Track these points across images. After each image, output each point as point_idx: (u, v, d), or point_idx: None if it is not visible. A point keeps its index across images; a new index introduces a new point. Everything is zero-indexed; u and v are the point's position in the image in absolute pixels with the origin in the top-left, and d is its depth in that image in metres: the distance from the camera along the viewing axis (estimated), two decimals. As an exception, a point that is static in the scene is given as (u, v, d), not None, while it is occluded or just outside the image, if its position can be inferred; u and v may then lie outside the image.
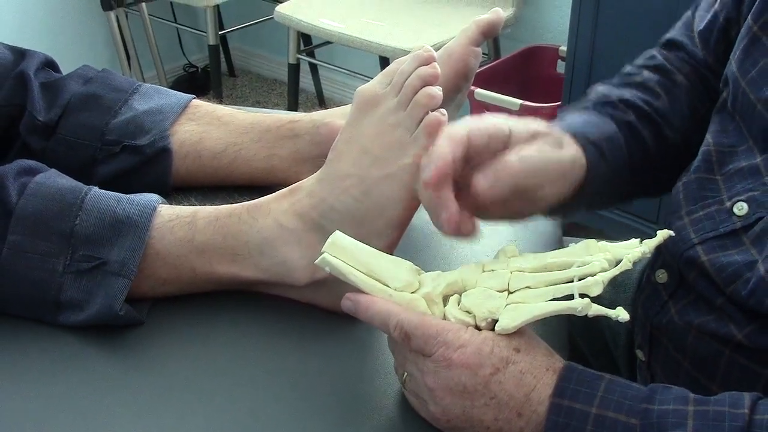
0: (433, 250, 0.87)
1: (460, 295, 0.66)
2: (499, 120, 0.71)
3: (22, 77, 0.90)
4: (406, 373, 0.66)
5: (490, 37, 0.87)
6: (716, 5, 0.86)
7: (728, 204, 0.74)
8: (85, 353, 0.72)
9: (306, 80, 3.11)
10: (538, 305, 0.63)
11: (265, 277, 0.76)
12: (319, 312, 0.76)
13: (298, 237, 0.74)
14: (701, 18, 0.89)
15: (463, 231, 0.68)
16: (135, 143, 0.88)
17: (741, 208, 0.72)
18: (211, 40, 2.84)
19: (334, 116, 0.90)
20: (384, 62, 2.65)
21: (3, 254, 0.72)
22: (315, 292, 0.76)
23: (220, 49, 3.10)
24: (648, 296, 0.82)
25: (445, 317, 0.66)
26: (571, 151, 0.74)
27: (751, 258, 0.69)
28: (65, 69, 0.96)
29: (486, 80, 2.26)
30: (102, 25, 2.97)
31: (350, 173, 0.73)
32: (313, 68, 3.11)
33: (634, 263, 0.64)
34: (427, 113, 0.72)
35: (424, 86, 0.73)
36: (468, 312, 0.65)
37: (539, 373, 0.63)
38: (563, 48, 2.26)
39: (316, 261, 0.67)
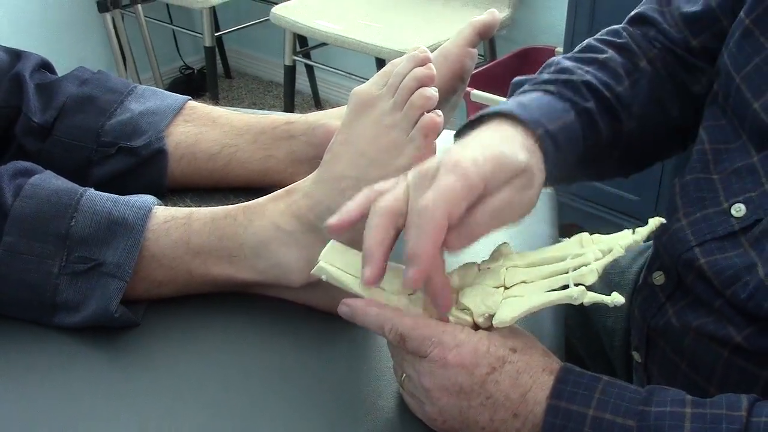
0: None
1: (457, 295, 0.66)
2: (472, 175, 0.62)
3: (17, 79, 0.90)
4: (404, 375, 0.66)
5: (486, 38, 0.87)
6: None
7: (726, 205, 0.73)
8: (80, 355, 0.72)
9: (302, 82, 3.11)
10: (535, 296, 0.63)
11: (261, 278, 0.76)
12: (316, 313, 0.76)
13: (295, 238, 0.74)
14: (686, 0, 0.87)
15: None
16: (130, 145, 0.88)
17: (739, 210, 0.72)
18: (207, 42, 2.84)
19: (330, 117, 0.90)
20: (380, 63, 2.65)
21: (-2, 256, 0.73)
22: (311, 293, 0.76)
23: (216, 50, 3.10)
24: (645, 298, 0.82)
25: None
26: (537, 179, 0.68)
27: (750, 260, 0.69)
28: (61, 71, 0.96)
29: (482, 81, 2.26)
30: (98, 26, 2.97)
31: (346, 175, 0.73)
32: (309, 70, 3.11)
33: (627, 249, 0.64)
34: (423, 114, 0.72)
35: (420, 87, 0.73)
36: (465, 310, 0.65)
37: (535, 374, 0.63)
38: (559, 49, 2.26)
39: (313, 270, 0.67)
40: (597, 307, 0.88)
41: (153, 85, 2.98)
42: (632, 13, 0.91)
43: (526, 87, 0.81)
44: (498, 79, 2.35)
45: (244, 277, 0.76)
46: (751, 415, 0.59)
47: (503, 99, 2.24)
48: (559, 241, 0.89)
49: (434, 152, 0.73)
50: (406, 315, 0.64)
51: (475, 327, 0.65)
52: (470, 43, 0.86)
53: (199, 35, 2.91)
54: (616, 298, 0.61)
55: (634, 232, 0.65)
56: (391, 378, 0.70)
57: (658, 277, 0.80)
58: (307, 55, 2.93)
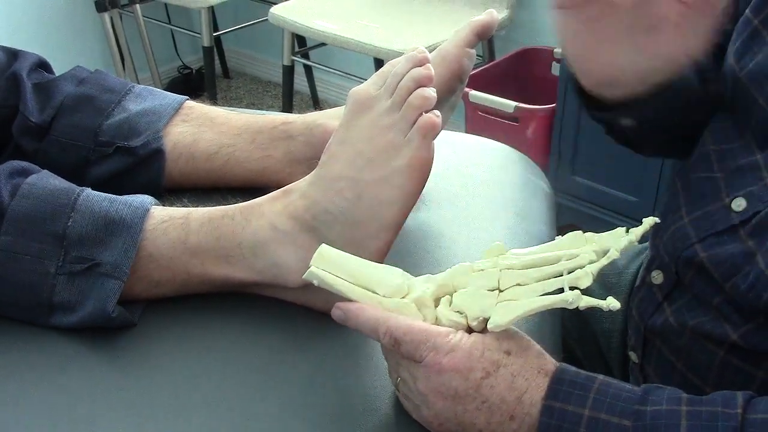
0: (425, 253, 0.87)
1: (451, 297, 0.66)
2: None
3: (14, 78, 0.90)
4: (399, 378, 0.66)
5: (485, 38, 0.87)
6: None
7: (727, 201, 0.73)
8: (77, 355, 0.72)
9: (300, 82, 3.11)
10: (530, 300, 0.63)
11: (259, 278, 0.75)
12: (313, 314, 0.76)
13: (292, 238, 0.74)
14: None
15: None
16: (128, 144, 0.88)
17: (739, 205, 0.72)
18: (206, 42, 2.83)
19: (328, 118, 0.90)
20: (378, 64, 2.64)
21: (-5, 256, 0.72)
22: (308, 294, 0.76)
23: (215, 50, 3.10)
24: (642, 298, 0.82)
25: (437, 319, 0.66)
26: None
27: (748, 250, 0.69)
28: (59, 70, 0.96)
29: (480, 82, 2.26)
30: (96, 26, 2.97)
31: (343, 175, 0.73)
32: (308, 70, 3.11)
33: (622, 251, 0.64)
34: (421, 115, 0.72)
35: (418, 87, 0.73)
36: (460, 312, 0.65)
37: (531, 376, 0.62)
38: (558, 50, 2.26)
39: (304, 275, 0.67)
40: (594, 309, 0.88)
41: (151, 85, 2.98)
42: None
43: None
44: (497, 79, 2.35)
45: (242, 277, 0.76)
46: (746, 411, 0.59)
47: (502, 100, 2.26)
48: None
49: (432, 153, 0.73)
50: (399, 318, 0.64)
51: (469, 330, 0.65)
52: (468, 44, 0.85)
53: (198, 35, 2.90)
54: (612, 303, 0.61)
55: (628, 232, 0.65)
56: (389, 379, 0.70)
57: (657, 277, 0.80)
58: (305, 56, 2.93)
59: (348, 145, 0.74)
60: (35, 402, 0.67)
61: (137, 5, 2.88)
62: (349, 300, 0.66)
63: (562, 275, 0.63)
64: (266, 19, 2.53)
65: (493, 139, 1.12)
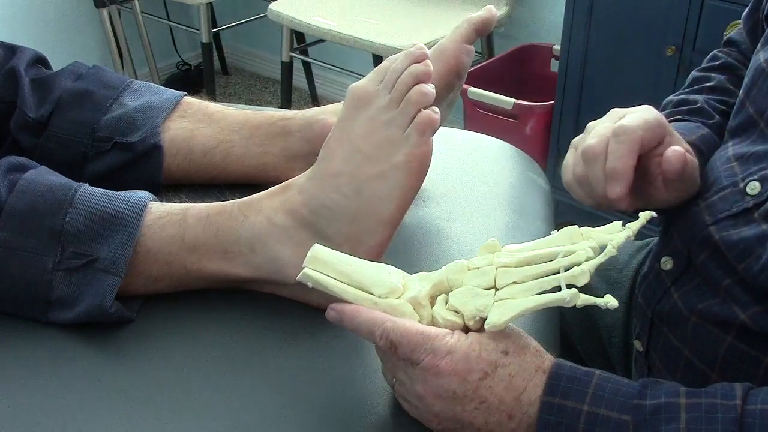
0: (423, 248, 0.86)
1: (447, 296, 0.66)
2: (659, 121, 0.74)
3: (12, 74, 0.89)
4: (395, 379, 0.66)
5: (483, 34, 0.87)
6: None
7: (741, 185, 0.75)
8: (75, 351, 0.72)
9: (299, 78, 3.10)
10: (526, 299, 0.63)
11: (256, 274, 0.75)
12: (311, 310, 0.76)
13: (290, 234, 0.74)
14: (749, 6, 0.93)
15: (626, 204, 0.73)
16: (126, 140, 0.88)
17: (754, 188, 0.74)
18: (204, 38, 2.83)
19: (326, 113, 0.90)
20: (377, 60, 2.64)
21: (-8, 251, 0.72)
22: (306, 290, 0.75)
23: (213, 46, 3.10)
24: (649, 284, 0.83)
25: (433, 318, 0.66)
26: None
27: (762, 233, 0.70)
28: (58, 66, 0.95)
29: (479, 79, 2.26)
30: (95, 22, 2.97)
31: (342, 171, 0.73)
32: (307, 66, 3.11)
33: (619, 248, 0.64)
34: (420, 111, 0.72)
35: (417, 84, 0.73)
36: (456, 312, 0.65)
37: (529, 375, 0.63)
38: (557, 47, 2.26)
39: (298, 277, 0.67)
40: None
41: (150, 81, 2.97)
42: (725, 38, 1.00)
43: None
44: (495, 76, 2.35)
45: (239, 273, 0.75)
46: (745, 403, 0.59)
47: (501, 97, 2.26)
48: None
49: (430, 149, 0.73)
50: (396, 321, 0.64)
51: (466, 329, 0.65)
52: (467, 40, 0.85)
53: (196, 31, 2.90)
54: (610, 301, 0.61)
55: (624, 226, 0.65)
56: (378, 376, 0.70)
57: (666, 263, 0.81)
58: (304, 52, 2.93)
59: (346, 141, 0.74)
60: (32, 397, 0.67)
61: (136, 1, 2.87)
62: (344, 301, 0.66)
63: (558, 273, 0.63)
64: (265, 16, 2.53)
65: (491, 135, 1.12)
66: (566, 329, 1.03)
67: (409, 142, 0.72)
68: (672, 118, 0.90)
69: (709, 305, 0.74)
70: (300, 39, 2.85)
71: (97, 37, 3.05)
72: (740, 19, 0.96)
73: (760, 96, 0.78)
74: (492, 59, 2.43)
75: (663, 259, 0.81)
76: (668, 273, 0.80)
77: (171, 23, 3.24)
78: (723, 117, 0.88)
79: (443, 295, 0.66)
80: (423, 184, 0.74)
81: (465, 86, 2.16)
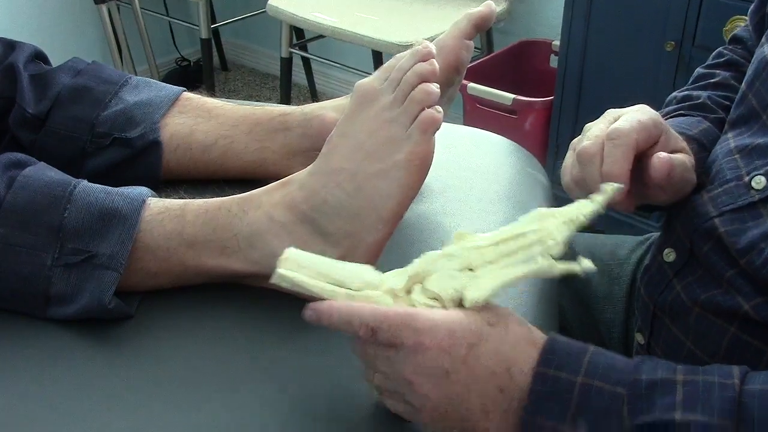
0: (422, 243, 0.86)
1: (424, 283, 0.65)
2: (654, 121, 0.76)
3: (11, 69, 0.89)
4: (377, 378, 0.65)
5: (482, 30, 0.87)
6: None
7: (746, 179, 0.75)
8: (74, 346, 0.72)
9: (298, 74, 3.10)
10: (504, 271, 0.63)
11: (255, 269, 0.75)
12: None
13: (289, 230, 0.74)
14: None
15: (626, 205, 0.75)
16: (125, 136, 0.88)
17: (759, 182, 0.74)
18: (204, 34, 2.83)
19: (326, 109, 0.90)
20: (377, 56, 2.64)
21: (-9, 248, 0.72)
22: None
23: (213, 42, 3.09)
24: (652, 277, 0.83)
25: (412, 307, 0.65)
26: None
27: (766, 229, 0.71)
28: (57, 62, 0.95)
29: (479, 74, 2.26)
30: (94, 18, 2.96)
31: (343, 167, 0.73)
32: (306, 62, 3.10)
33: (588, 218, 0.64)
34: (423, 110, 0.72)
35: (421, 83, 0.73)
36: (435, 298, 0.64)
37: (517, 345, 0.62)
38: (556, 42, 2.25)
39: (272, 279, 0.66)
40: (596, 299, 0.89)
41: (149, 77, 2.96)
42: (730, 35, 1.01)
43: None
44: (495, 72, 2.35)
45: (238, 268, 0.75)
46: (744, 383, 0.59)
47: (500, 92, 2.26)
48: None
49: (432, 148, 0.73)
50: (373, 307, 0.62)
51: None
52: (466, 35, 0.85)
53: (196, 27, 2.90)
54: (586, 265, 0.61)
55: (592, 201, 0.65)
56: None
57: (669, 254, 0.81)
58: (303, 48, 2.92)
59: (349, 138, 0.74)
60: (31, 392, 0.67)
61: (135, -3, 2.87)
62: (321, 299, 0.65)
63: (532, 247, 0.63)
64: (264, 11, 2.53)
65: (491, 131, 1.12)
66: (565, 325, 1.03)
67: (411, 141, 0.72)
68: (675, 113, 0.90)
69: (712, 296, 0.75)
70: (299, 35, 2.85)
71: (96, 33, 3.05)
72: (739, 14, 0.96)
73: (763, 89, 0.78)
74: (491, 55, 2.42)
75: (666, 251, 0.82)
76: (670, 264, 0.81)
77: (170, 19, 3.24)
78: (726, 112, 0.88)
79: (420, 285, 0.66)
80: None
81: (464, 82, 2.16)
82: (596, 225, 2.11)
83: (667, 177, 0.73)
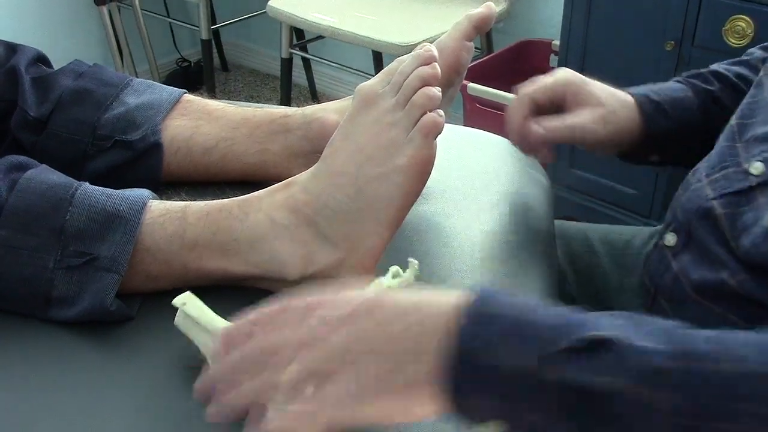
0: (423, 244, 0.87)
1: None
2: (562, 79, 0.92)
3: (13, 72, 0.89)
4: (288, 375, 0.55)
5: (483, 31, 0.87)
6: None
7: (745, 165, 0.78)
8: (75, 348, 0.72)
9: (299, 75, 3.10)
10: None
11: (256, 272, 0.75)
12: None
13: (291, 232, 0.74)
14: None
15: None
16: (126, 138, 0.88)
17: (757, 168, 0.76)
18: (204, 35, 2.83)
19: (327, 111, 0.90)
20: (377, 56, 2.64)
21: (-7, 250, 0.72)
22: (306, 287, 0.76)
23: (213, 43, 3.10)
24: (653, 259, 0.87)
25: None
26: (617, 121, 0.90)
27: (760, 212, 0.73)
28: (58, 64, 0.95)
29: (479, 75, 2.26)
30: (94, 19, 2.97)
31: (345, 171, 0.73)
32: (306, 63, 3.11)
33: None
34: (425, 114, 0.72)
35: (423, 86, 0.73)
36: None
37: (438, 293, 0.55)
38: (556, 42, 2.26)
39: (176, 322, 0.68)
40: (608, 290, 1.00)
41: (150, 78, 2.96)
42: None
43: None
44: (495, 72, 2.35)
45: (239, 271, 0.76)
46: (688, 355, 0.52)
47: (500, 92, 2.26)
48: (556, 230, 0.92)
49: (434, 152, 0.73)
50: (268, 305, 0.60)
51: None
52: (467, 37, 0.86)
53: (196, 28, 2.90)
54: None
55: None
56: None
57: (670, 239, 0.84)
58: (303, 48, 2.92)
59: (351, 141, 0.74)
60: (31, 393, 0.67)
61: (135, -2, 2.88)
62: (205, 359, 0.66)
63: None
64: (264, 12, 2.53)
65: (491, 131, 1.12)
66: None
67: (413, 145, 0.72)
68: (672, 80, 0.97)
69: (703, 274, 0.77)
70: (299, 35, 2.85)
71: (97, 34, 3.05)
72: (739, 14, 0.98)
73: None
74: (491, 55, 2.43)
75: (667, 236, 0.84)
76: (670, 248, 0.83)
77: (170, 20, 3.24)
78: (723, 85, 0.93)
79: None
80: (423, 183, 0.74)
81: (464, 82, 2.16)
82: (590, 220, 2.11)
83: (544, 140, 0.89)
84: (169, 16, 3.24)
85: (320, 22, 2.36)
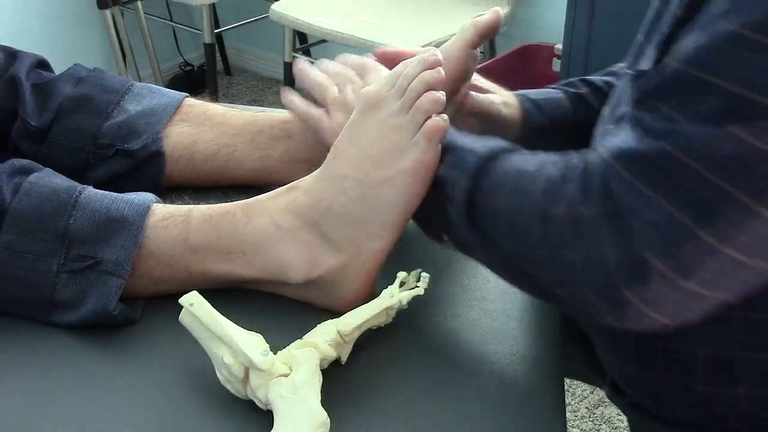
0: (423, 247, 0.87)
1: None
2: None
3: (12, 81, 0.89)
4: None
5: (489, 38, 0.87)
6: None
7: None
8: (77, 350, 0.72)
9: (302, 78, 3.10)
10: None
11: (260, 275, 0.76)
12: (312, 309, 0.76)
13: (294, 235, 0.74)
14: None
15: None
16: (127, 147, 0.88)
17: None
18: (207, 39, 2.84)
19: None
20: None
21: (-3, 254, 0.72)
22: (309, 290, 0.76)
23: (216, 47, 3.10)
24: None
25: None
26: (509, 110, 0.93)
27: None
28: (61, 68, 0.95)
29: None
30: (98, 23, 2.97)
31: (349, 175, 0.73)
32: (309, 66, 3.11)
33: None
34: (429, 118, 0.72)
35: (428, 91, 0.73)
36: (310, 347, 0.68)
37: None
38: (559, 46, 2.25)
39: (180, 319, 0.68)
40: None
41: (153, 82, 2.97)
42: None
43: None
44: (497, 76, 2.32)
45: (243, 274, 0.76)
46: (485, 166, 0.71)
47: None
48: None
49: (438, 155, 0.73)
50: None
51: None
52: (472, 45, 0.85)
53: (199, 32, 2.91)
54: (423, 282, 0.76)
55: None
56: (391, 372, 0.71)
57: None
58: (306, 52, 2.93)
59: (354, 145, 0.74)
60: (34, 397, 0.67)
61: (138, 2, 2.88)
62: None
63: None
64: (267, 16, 2.54)
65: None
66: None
67: (417, 149, 0.72)
68: (547, 87, 1.01)
69: None
70: (302, 39, 2.86)
71: (100, 38, 3.06)
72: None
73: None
74: (494, 59, 2.43)
75: None
76: None
77: (174, 24, 3.25)
78: (591, 89, 0.98)
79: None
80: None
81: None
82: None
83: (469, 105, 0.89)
84: (172, 20, 3.24)
85: (323, 25, 2.36)
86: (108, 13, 2.79)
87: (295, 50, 2.65)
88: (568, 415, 1.79)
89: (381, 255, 0.74)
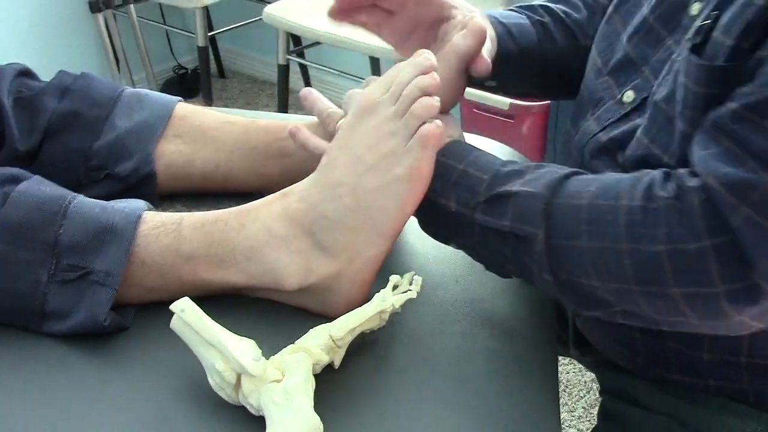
0: (420, 251, 0.86)
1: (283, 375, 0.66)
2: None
3: None
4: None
5: (474, 57, 0.84)
6: None
7: (619, 96, 0.84)
8: (69, 358, 0.71)
9: (296, 81, 3.10)
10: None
11: (254, 282, 0.75)
12: (306, 315, 0.76)
13: (288, 242, 0.73)
14: None
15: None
16: (118, 173, 0.87)
17: (629, 96, 0.83)
18: (200, 42, 2.83)
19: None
20: (374, 62, 2.64)
21: (-14, 264, 0.72)
22: (304, 297, 0.75)
23: (210, 50, 3.10)
24: None
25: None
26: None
27: (634, 126, 0.80)
28: (53, 72, 0.93)
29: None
30: (90, 27, 2.97)
31: (343, 181, 0.73)
32: (303, 69, 3.11)
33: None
34: (424, 123, 0.72)
35: (422, 96, 0.72)
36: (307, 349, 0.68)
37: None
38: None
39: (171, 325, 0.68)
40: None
41: (146, 86, 2.96)
42: None
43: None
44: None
45: (235, 281, 0.75)
46: (568, 177, 0.71)
47: (497, 97, 2.26)
48: None
49: (433, 162, 0.72)
50: None
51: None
52: (458, 71, 0.84)
53: (193, 35, 2.91)
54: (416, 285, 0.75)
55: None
56: (385, 376, 0.70)
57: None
58: (300, 54, 2.93)
59: (348, 150, 0.74)
60: (24, 405, 0.67)
61: (131, 6, 2.88)
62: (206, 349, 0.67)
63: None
64: (260, 19, 2.53)
65: (488, 136, 1.11)
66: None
67: (412, 155, 0.71)
68: (506, 9, 1.00)
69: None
70: (296, 41, 2.86)
71: (93, 42, 3.05)
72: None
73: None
74: (488, 59, 2.42)
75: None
76: None
77: (167, 27, 3.25)
78: (553, 18, 0.98)
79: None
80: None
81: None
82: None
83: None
84: (165, 24, 3.24)
85: (316, 28, 2.36)
86: (100, 16, 2.78)
87: (288, 52, 2.65)
88: (565, 415, 1.79)
89: (376, 262, 0.74)
